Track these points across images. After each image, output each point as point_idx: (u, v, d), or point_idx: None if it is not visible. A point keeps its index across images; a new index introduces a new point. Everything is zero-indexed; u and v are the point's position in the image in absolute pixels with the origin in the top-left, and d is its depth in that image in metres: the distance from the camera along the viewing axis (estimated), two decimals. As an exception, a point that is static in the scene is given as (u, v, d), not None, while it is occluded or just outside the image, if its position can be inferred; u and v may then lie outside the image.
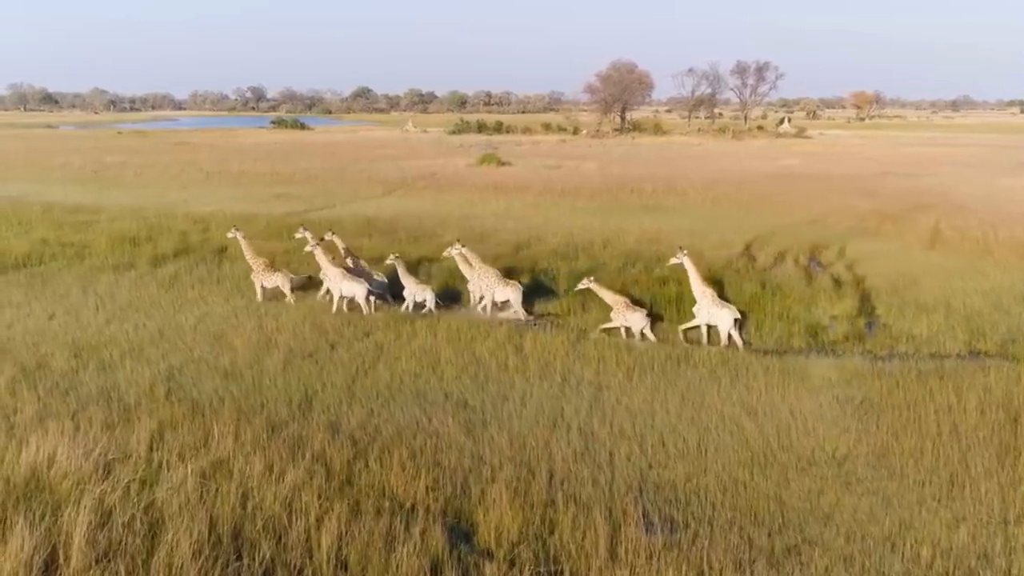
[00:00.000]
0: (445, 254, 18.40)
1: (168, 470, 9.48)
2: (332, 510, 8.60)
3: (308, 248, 18.39)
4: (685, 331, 16.14)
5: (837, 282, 20.34)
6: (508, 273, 20.96)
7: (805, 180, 45.08)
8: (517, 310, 17.26)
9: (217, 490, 9.04)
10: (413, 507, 8.96)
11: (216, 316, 17.02)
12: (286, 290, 18.38)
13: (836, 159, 62.11)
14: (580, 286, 16.94)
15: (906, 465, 10.07)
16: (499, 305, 17.64)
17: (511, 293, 17.32)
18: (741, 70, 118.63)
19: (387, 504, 8.91)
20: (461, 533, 8.60)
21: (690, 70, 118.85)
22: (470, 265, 17.87)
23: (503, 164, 53.94)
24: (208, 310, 17.55)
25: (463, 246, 18.17)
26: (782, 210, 33.37)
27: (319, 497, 8.90)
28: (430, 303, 17.56)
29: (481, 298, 17.64)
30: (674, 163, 57.64)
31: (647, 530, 8.50)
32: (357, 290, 17.45)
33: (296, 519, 8.48)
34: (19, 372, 13.11)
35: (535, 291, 19.42)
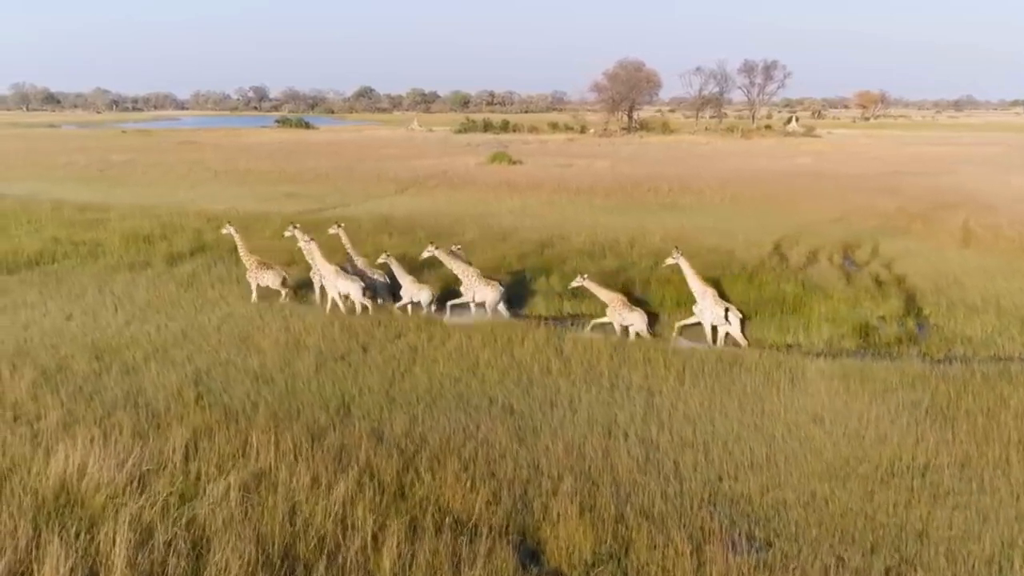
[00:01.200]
0: (424, 255, 17.63)
1: (208, 482, 8.85)
2: (388, 527, 7.97)
3: (300, 244, 17.65)
4: (681, 328, 15.56)
5: (878, 282, 19.70)
6: (536, 272, 20.40)
7: (821, 178, 44.46)
8: (499, 311, 16.58)
9: (262, 504, 8.42)
10: (473, 523, 8.31)
11: (239, 317, 16.38)
12: (280, 288, 17.79)
13: (849, 158, 61.50)
14: (574, 284, 16.41)
15: (994, 476, 9.43)
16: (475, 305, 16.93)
17: (490, 293, 16.64)
18: (749, 69, 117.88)
19: (446, 520, 8.27)
20: (528, 552, 7.95)
21: (698, 69, 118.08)
22: (463, 264, 17.19)
23: (514, 162, 53.33)
24: (230, 310, 16.91)
25: (436, 247, 17.48)
26: (804, 209, 32.74)
27: (372, 512, 8.27)
28: (425, 303, 16.89)
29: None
30: (685, 162, 57.01)
31: (731, 549, 7.85)
32: (352, 288, 16.81)
33: (350, 536, 7.85)
34: (40, 375, 12.47)
35: (566, 291, 18.78)
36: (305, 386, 12.40)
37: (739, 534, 8.20)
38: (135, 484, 8.74)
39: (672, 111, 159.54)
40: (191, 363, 13.39)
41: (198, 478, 9.01)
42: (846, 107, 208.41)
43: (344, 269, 17.53)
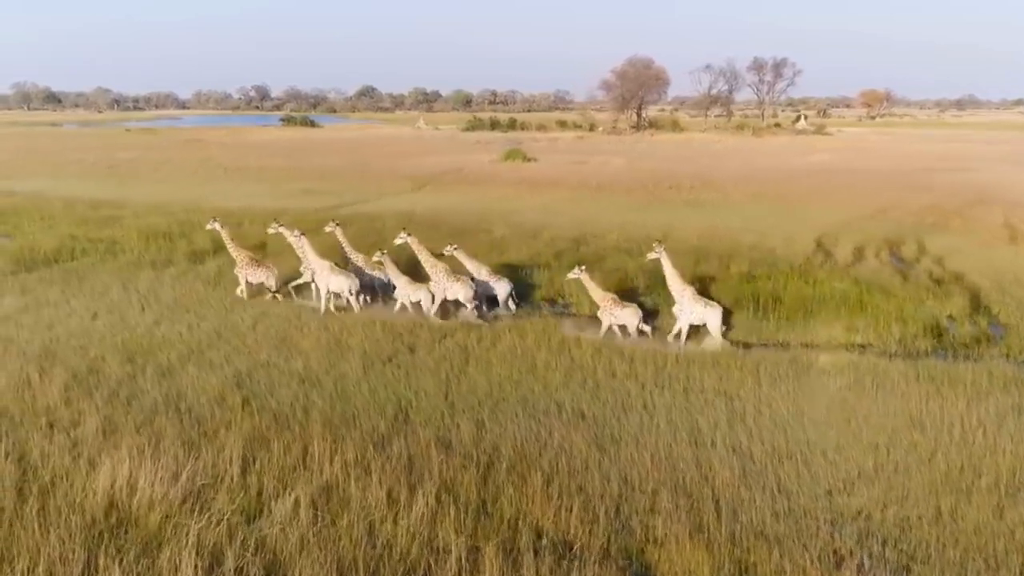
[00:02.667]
0: (396, 242, 16.84)
1: (272, 498, 8.02)
2: (481, 550, 7.15)
3: (290, 240, 16.84)
4: (676, 336, 14.61)
5: (935, 279, 18.85)
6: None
7: (843, 176, 43.61)
8: (469, 309, 15.70)
9: (335, 524, 7.59)
10: (572, 545, 7.48)
11: (274, 316, 15.55)
12: (271, 285, 17.05)
13: (866, 155, 60.65)
14: (571, 276, 15.48)
15: None
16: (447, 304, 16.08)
17: (461, 290, 15.77)
18: (758, 67, 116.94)
19: (543, 541, 7.44)
20: (638, 578, 7.13)
21: (707, 67, 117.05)
22: (433, 259, 16.33)
23: (528, 160, 52.50)
24: (263, 309, 16.08)
25: (409, 235, 16.67)
26: (833, 206, 31.89)
27: (458, 532, 7.44)
28: (425, 304, 16.03)
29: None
30: (701, 160, 56.15)
31: (867, 575, 7.01)
32: (344, 285, 16.01)
33: (440, 560, 7.03)
34: (71, 378, 11.64)
35: (611, 288, 17.95)
36: (356, 389, 11.56)
37: (870, 557, 7.37)
38: (192, 501, 7.92)
39: (676, 110, 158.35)
40: (230, 365, 12.55)
41: (259, 493, 8.19)
42: (848, 106, 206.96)
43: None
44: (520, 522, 7.78)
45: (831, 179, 41.73)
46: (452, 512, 7.79)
